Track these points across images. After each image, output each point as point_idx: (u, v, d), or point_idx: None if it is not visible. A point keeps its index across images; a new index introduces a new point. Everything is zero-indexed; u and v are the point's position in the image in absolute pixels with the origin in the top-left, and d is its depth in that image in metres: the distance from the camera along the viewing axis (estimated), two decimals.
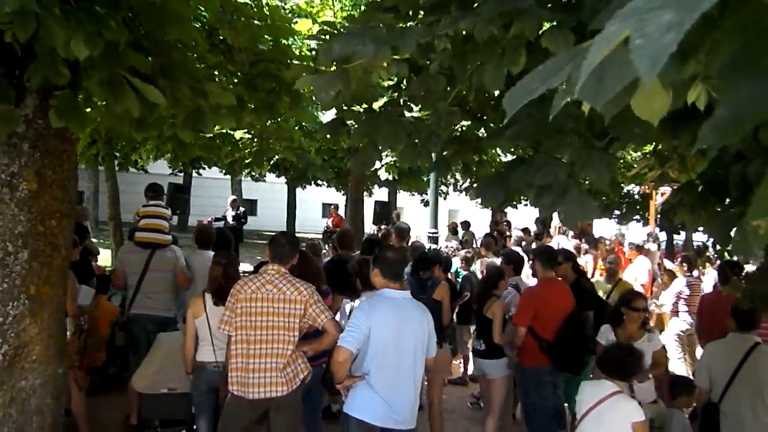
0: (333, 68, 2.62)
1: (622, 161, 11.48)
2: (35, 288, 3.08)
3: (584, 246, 10.10)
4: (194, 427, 4.21)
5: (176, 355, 4.38)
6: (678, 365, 7.26)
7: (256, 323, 3.60)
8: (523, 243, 9.50)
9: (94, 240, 9.03)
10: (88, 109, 5.58)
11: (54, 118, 2.75)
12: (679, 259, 7.75)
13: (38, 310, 3.11)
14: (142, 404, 4.82)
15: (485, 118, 4.55)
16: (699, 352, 6.86)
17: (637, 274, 8.56)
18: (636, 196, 17.91)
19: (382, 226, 9.46)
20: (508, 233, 11.46)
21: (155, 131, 6.04)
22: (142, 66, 2.81)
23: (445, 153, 4.53)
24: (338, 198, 25.43)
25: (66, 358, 3.50)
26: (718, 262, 6.20)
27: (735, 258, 5.79)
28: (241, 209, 14.13)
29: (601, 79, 0.97)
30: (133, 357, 5.32)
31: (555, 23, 2.49)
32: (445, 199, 23.28)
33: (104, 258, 10.50)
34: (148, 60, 2.95)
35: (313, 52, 4.10)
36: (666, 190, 9.80)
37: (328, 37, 2.80)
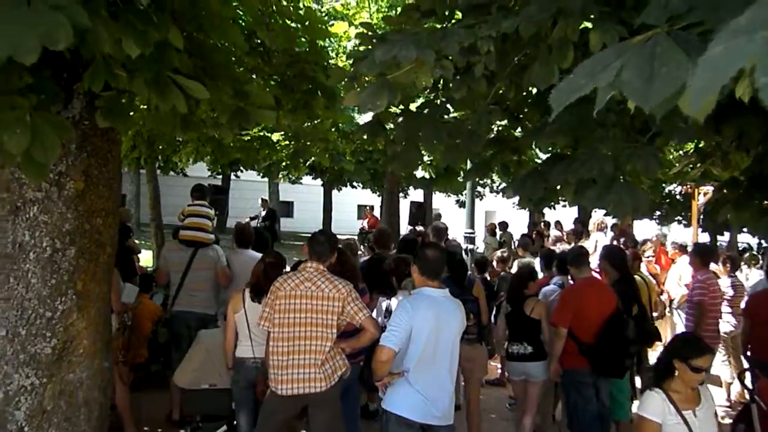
0: (373, 77, 2.61)
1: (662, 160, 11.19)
2: (82, 284, 3.17)
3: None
4: (234, 422, 4.27)
5: (217, 352, 4.45)
6: (722, 368, 7.06)
7: (294, 320, 3.64)
8: (560, 243, 9.33)
9: (135, 241, 9.24)
10: (132, 113, 5.74)
11: (100, 119, 2.83)
12: (722, 259, 7.51)
13: (85, 305, 3.19)
14: (184, 400, 4.92)
15: (521, 116, 4.51)
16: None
17: (681, 273, 8.33)
18: (678, 197, 17.48)
19: (418, 227, 9.45)
20: (546, 233, 11.32)
21: (196, 133, 6.15)
22: (184, 66, 2.86)
23: (485, 154, 4.51)
24: (374, 199, 25.52)
25: (111, 352, 3.59)
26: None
27: None
28: (270, 208, 14.16)
29: (652, 81, 0.95)
30: (176, 354, 5.42)
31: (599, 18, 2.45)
32: (481, 200, 23.18)
33: (146, 259, 10.74)
34: (191, 61, 3.01)
35: (350, 56, 4.10)
36: (708, 189, 9.53)
37: (364, 47, 2.79)
